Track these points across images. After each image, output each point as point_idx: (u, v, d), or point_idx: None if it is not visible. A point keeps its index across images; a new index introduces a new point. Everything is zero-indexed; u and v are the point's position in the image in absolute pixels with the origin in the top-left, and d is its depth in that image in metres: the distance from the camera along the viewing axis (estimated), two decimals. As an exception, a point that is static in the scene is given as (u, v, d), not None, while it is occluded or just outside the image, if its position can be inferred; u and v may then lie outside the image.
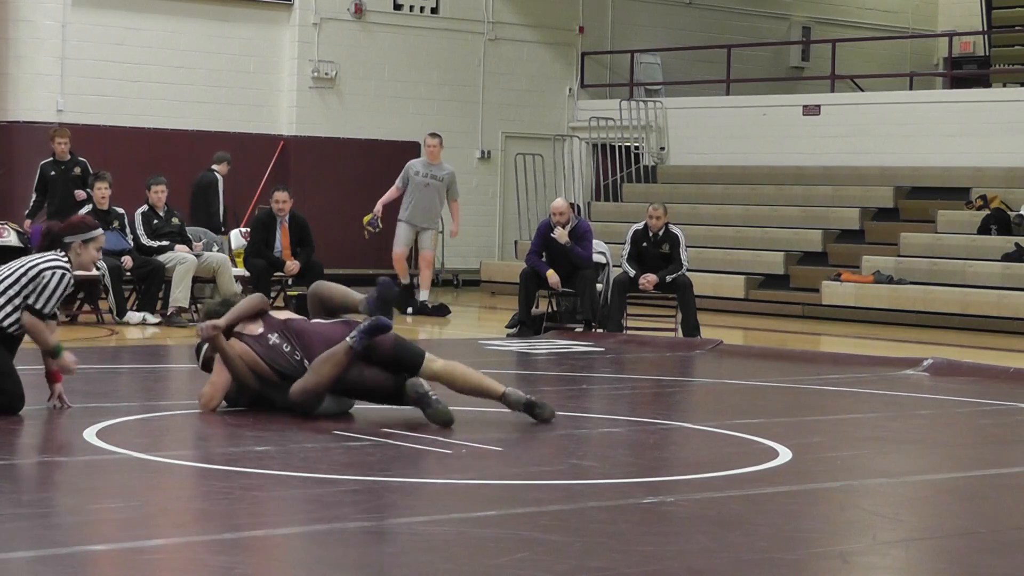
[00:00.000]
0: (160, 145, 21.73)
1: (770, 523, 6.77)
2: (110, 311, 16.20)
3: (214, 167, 19.38)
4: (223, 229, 18.80)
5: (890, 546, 6.46)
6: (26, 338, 9.31)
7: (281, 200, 17.20)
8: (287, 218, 17.25)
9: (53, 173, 17.41)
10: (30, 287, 9.11)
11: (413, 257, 19.47)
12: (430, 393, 9.09)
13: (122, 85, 21.65)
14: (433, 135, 18.94)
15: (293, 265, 17.08)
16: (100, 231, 9.48)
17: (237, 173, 22.24)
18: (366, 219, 18.84)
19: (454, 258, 24.34)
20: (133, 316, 16.12)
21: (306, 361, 9.29)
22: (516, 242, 24.12)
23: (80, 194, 17.13)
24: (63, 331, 15.12)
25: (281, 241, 17.20)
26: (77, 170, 17.40)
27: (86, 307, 16.61)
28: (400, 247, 18.85)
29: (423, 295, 18.74)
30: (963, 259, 19.50)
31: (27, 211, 17.63)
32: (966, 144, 21.55)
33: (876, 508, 7.31)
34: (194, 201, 19.07)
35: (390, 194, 18.82)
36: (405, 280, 18.79)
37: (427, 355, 9.42)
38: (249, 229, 17.87)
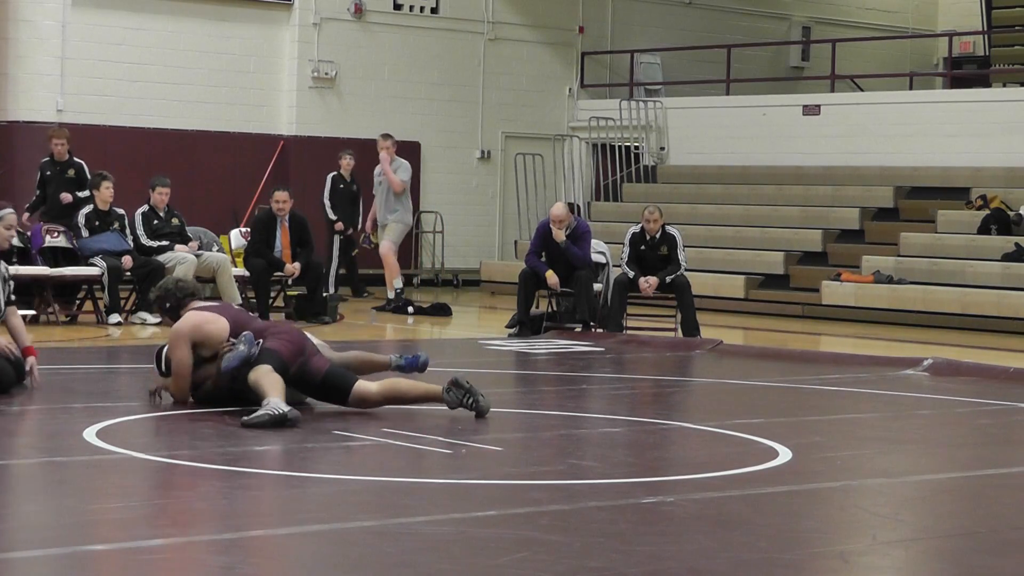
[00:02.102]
0: (160, 145, 21.72)
1: (770, 523, 6.77)
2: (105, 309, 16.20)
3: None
4: (333, 218, 20.09)
5: (890, 546, 6.46)
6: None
7: (281, 200, 17.19)
8: (287, 218, 17.24)
9: (49, 173, 17.30)
10: None
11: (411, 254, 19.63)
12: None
13: (122, 85, 21.64)
14: (384, 136, 19.14)
15: (293, 267, 17.06)
16: (10, 210, 10.44)
17: (237, 173, 22.27)
18: (360, 238, 19.23)
19: (454, 258, 24.35)
20: (113, 317, 16.06)
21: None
22: (516, 242, 24.11)
23: (65, 197, 16.89)
24: (63, 331, 15.16)
25: (281, 241, 17.19)
26: (71, 172, 17.20)
27: (87, 307, 16.60)
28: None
29: (396, 284, 18.77)
30: (963, 259, 19.50)
31: (27, 205, 17.52)
32: (966, 144, 21.54)
33: (876, 508, 7.31)
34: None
35: (372, 206, 19.24)
36: (391, 290, 18.89)
37: (359, 380, 9.57)
38: (249, 229, 17.86)
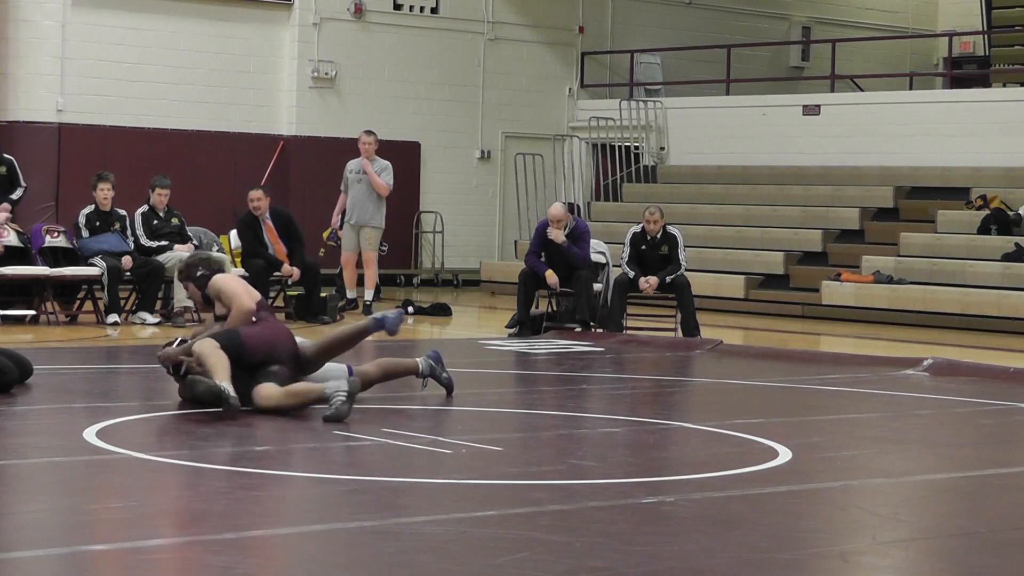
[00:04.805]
0: (160, 145, 21.72)
1: (770, 523, 6.77)
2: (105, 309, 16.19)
3: None
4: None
5: (890, 546, 6.46)
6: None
7: (256, 199, 17.11)
8: (268, 216, 17.18)
9: None
10: None
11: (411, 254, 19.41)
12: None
13: (122, 85, 21.64)
14: (367, 132, 18.74)
15: (292, 270, 17.03)
16: None
17: (237, 173, 22.27)
18: (325, 234, 18.77)
19: (454, 258, 24.34)
20: (112, 318, 16.04)
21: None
22: (516, 242, 24.11)
23: None
24: (63, 331, 15.16)
25: (269, 238, 17.15)
26: (2, 169, 16.70)
27: (86, 307, 16.59)
28: (345, 251, 18.66)
29: (367, 295, 18.52)
30: (963, 259, 19.50)
31: None
32: (965, 144, 21.55)
33: (876, 508, 7.31)
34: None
35: (340, 202, 18.78)
36: (351, 291, 18.62)
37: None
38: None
